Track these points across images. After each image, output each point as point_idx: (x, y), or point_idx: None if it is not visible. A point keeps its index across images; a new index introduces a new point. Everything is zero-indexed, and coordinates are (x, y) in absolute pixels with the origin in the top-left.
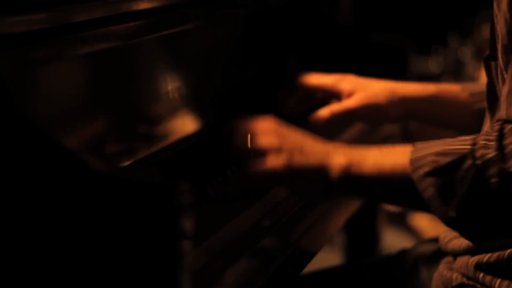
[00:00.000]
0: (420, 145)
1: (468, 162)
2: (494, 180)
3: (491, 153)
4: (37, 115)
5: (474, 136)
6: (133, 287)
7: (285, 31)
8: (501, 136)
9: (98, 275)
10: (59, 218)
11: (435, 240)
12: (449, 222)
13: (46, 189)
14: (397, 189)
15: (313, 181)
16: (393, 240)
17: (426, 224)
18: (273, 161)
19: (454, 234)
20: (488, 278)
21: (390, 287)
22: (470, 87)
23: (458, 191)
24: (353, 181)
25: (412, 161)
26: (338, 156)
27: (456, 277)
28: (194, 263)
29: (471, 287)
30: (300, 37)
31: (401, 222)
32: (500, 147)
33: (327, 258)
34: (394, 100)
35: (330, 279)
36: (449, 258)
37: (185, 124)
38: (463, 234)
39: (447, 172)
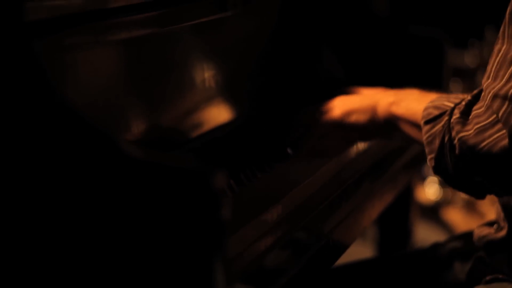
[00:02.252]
0: (438, 96)
1: (445, 119)
2: (456, 140)
3: (457, 114)
4: (73, 101)
5: (468, 95)
6: (169, 274)
7: (322, 21)
8: (474, 100)
9: (136, 260)
10: (95, 204)
11: (469, 234)
12: (432, 169)
13: (85, 175)
14: (416, 132)
15: (365, 116)
16: (425, 234)
17: (459, 218)
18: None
19: (488, 230)
20: None
21: (422, 280)
22: None
23: (436, 143)
24: (391, 117)
25: (424, 109)
26: (388, 96)
27: (490, 272)
28: (230, 250)
29: (505, 281)
30: (337, 28)
31: (434, 216)
32: (467, 111)
33: (359, 251)
34: None
35: (362, 272)
36: (482, 253)
37: (220, 114)
38: (444, 181)
39: (433, 124)
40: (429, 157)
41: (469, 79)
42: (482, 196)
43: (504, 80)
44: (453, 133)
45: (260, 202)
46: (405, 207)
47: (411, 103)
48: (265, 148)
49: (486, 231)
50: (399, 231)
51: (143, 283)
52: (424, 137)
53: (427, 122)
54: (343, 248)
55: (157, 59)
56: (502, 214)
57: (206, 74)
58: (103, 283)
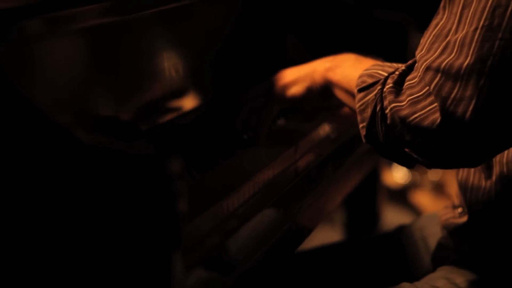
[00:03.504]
0: (375, 64)
1: (378, 87)
2: (388, 110)
3: (390, 84)
4: (32, 92)
5: (402, 64)
6: (125, 262)
7: (286, 7)
8: (408, 70)
9: (91, 247)
10: (54, 191)
11: (433, 216)
12: (363, 138)
13: (39, 164)
14: (351, 99)
15: (304, 85)
16: (393, 217)
17: (427, 201)
18: (277, 82)
19: (452, 213)
20: (484, 256)
21: (388, 262)
22: None
23: (368, 112)
24: (328, 83)
25: (359, 76)
26: (325, 62)
27: (454, 253)
28: (191, 236)
29: (468, 262)
30: (301, 14)
31: (402, 199)
32: (400, 81)
33: (328, 235)
34: None
35: (329, 256)
36: (446, 235)
37: (184, 102)
38: (375, 150)
39: (366, 92)
40: (361, 125)
41: None
42: (411, 166)
43: (437, 52)
44: (385, 103)
45: (221, 188)
46: (372, 191)
47: (346, 69)
48: (227, 135)
49: (450, 214)
50: (367, 214)
51: (97, 271)
52: (357, 105)
53: (360, 90)
54: (307, 231)
55: (118, 48)
56: (462, 199)
57: (169, 63)
58: (58, 271)
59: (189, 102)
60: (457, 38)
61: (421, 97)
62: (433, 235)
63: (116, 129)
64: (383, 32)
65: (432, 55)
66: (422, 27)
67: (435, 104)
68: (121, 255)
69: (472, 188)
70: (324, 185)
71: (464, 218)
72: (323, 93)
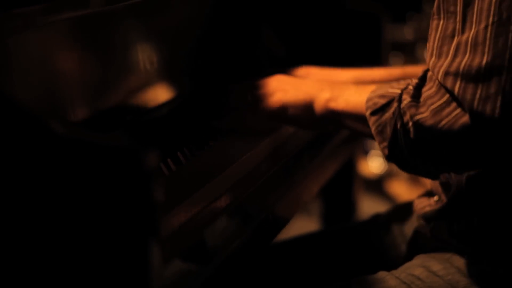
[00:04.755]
0: (379, 86)
1: (394, 105)
2: (410, 125)
3: (407, 99)
4: (7, 82)
5: (410, 80)
6: (102, 254)
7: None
8: (422, 82)
9: (66, 238)
10: (25, 183)
11: (409, 204)
12: (386, 157)
13: (15, 154)
14: (361, 124)
15: (301, 112)
16: (370, 207)
17: (402, 190)
18: (268, 99)
19: (427, 201)
20: (460, 244)
21: (365, 251)
22: (394, 72)
23: (388, 131)
24: (330, 113)
25: (367, 100)
26: (324, 91)
27: (430, 241)
28: (168, 226)
29: (445, 249)
30: (275, 5)
31: (378, 189)
32: (417, 94)
33: (304, 226)
34: None
35: (306, 245)
36: (422, 223)
37: (159, 94)
38: (398, 167)
39: (381, 113)
40: (381, 145)
41: (409, 52)
42: (437, 177)
43: (450, 56)
44: (406, 118)
45: (198, 179)
46: (348, 181)
47: (350, 97)
48: (202, 126)
49: (425, 201)
50: (344, 204)
51: (73, 263)
52: (373, 128)
53: (374, 113)
54: (284, 222)
55: (92, 41)
56: (440, 188)
57: (144, 55)
58: (31, 261)
59: (163, 94)
60: (468, 38)
61: (444, 104)
62: (409, 224)
63: (92, 121)
64: (357, 22)
65: (445, 60)
66: (396, 17)
67: (459, 108)
68: (98, 247)
69: (447, 175)
70: (300, 175)
71: (440, 206)
72: (322, 122)
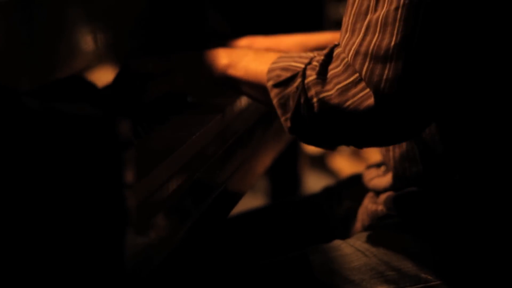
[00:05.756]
0: (282, 56)
1: (298, 80)
2: (314, 100)
3: (312, 75)
4: None
5: (315, 53)
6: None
7: None
8: (328, 59)
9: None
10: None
11: (357, 176)
12: (288, 130)
13: None
14: (260, 93)
15: (204, 78)
16: (315, 183)
17: (346, 166)
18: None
19: (376, 172)
20: (408, 211)
21: (318, 221)
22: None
23: (290, 105)
24: (229, 80)
25: (268, 71)
26: (222, 58)
27: (382, 210)
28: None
29: (395, 218)
30: None
31: (322, 165)
32: (323, 71)
33: (251, 204)
34: None
35: (259, 218)
36: (372, 194)
37: (107, 73)
38: (300, 139)
39: (284, 87)
40: (283, 118)
41: None
42: (333, 148)
43: (361, 34)
44: (310, 93)
45: (157, 153)
46: (292, 157)
47: (249, 64)
48: (158, 101)
49: (374, 173)
50: (289, 180)
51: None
52: (275, 100)
53: (276, 85)
54: (240, 195)
55: (36, 22)
56: (385, 156)
57: (90, 35)
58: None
59: (108, 75)
60: (378, 17)
61: (350, 84)
62: (358, 194)
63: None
64: (298, 1)
65: (357, 38)
66: None
67: (367, 89)
68: (72, 220)
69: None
70: (254, 148)
71: (388, 176)
72: (222, 88)
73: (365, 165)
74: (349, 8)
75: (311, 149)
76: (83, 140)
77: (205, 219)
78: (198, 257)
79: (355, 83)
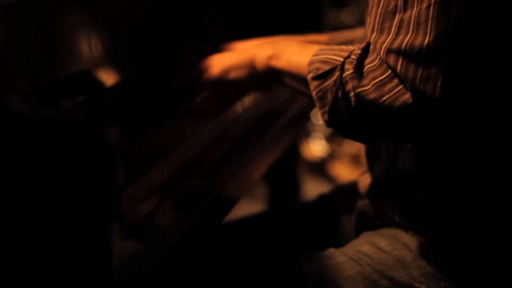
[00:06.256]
0: (323, 49)
1: (336, 74)
2: (351, 95)
3: (350, 70)
4: None
5: (355, 47)
6: (62, 233)
7: None
8: (365, 53)
9: (30, 216)
10: None
11: (352, 184)
12: (326, 123)
13: None
14: (301, 85)
15: (244, 72)
16: (313, 189)
17: (344, 172)
18: (211, 67)
19: (370, 179)
20: (403, 220)
21: (311, 229)
22: (337, 37)
23: (328, 98)
24: (272, 71)
25: (309, 63)
26: (266, 49)
27: (375, 218)
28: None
29: (390, 226)
30: None
31: (321, 171)
32: (360, 65)
33: (249, 209)
34: None
35: (253, 226)
36: (366, 201)
37: (105, 77)
38: (337, 132)
39: (322, 80)
40: (321, 111)
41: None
42: (374, 143)
43: (392, 33)
44: (348, 87)
45: (150, 158)
46: (292, 163)
47: (292, 56)
48: (152, 107)
49: (369, 179)
50: (288, 187)
51: (33, 239)
52: (314, 92)
53: (316, 78)
54: (233, 201)
55: (35, 26)
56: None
57: (87, 38)
58: None
59: (110, 77)
60: (410, 16)
61: (385, 79)
62: (352, 202)
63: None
64: (297, 5)
65: (387, 37)
66: (336, 1)
67: (401, 85)
68: (58, 226)
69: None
70: (250, 154)
71: (382, 181)
72: (265, 80)
73: (364, 170)
74: (374, 8)
75: (310, 155)
76: (71, 144)
77: (197, 226)
78: (189, 264)
79: (390, 78)
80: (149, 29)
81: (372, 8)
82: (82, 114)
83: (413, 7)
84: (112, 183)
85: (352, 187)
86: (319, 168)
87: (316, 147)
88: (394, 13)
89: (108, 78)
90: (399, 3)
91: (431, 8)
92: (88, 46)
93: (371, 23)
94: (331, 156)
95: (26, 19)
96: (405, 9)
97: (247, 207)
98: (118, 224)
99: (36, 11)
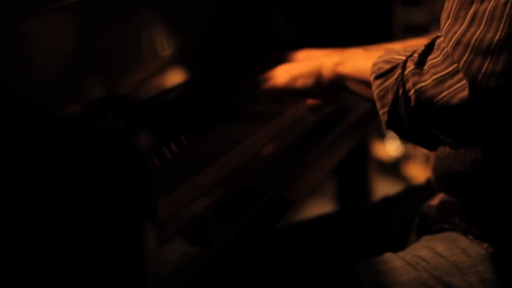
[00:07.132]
0: (388, 51)
1: (398, 71)
2: (411, 93)
3: (411, 66)
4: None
5: (417, 47)
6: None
7: None
8: (428, 50)
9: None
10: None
11: (418, 186)
12: (385, 123)
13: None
14: (365, 89)
15: (310, 80)
16: (385, 189)
17: (419, 172)
18: (278, 76)
19: (436, 178)
20: (463, 223)
21: (372, 233)
22: (411, 43)
23: (389, 97)
24: (338, 77)
25: (373, 65)
26: (333, 56)
27: (436, 221)
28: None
29: (450, 230)
30: None
31: (394, 171)
32: (422, 62)
33: (320, 207)
34: None
35: (312, 229)
36: (429, 203)
37: (168, 78)
38: (397, 134)
39: (384, 78)
40: (381, 111)
41: (422, 35)
42: (435, 148)
43: (465, 23)
44: (408, 85)
45: (199, 163)
46: (362, 163)
47: (357, 61)
48: (210, 111)
49: (435, 178)
50: (358, 186)
51: (68, 250)
52: (375, 92)
53: (377, 77)
54: (289, 205)
55: (97, 25)
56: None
57: (154, 39)
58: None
59: (172, 79)
60: (486, 8)
61: (447, 75)
62: (416, 205)
63: (105, 105)
64: (367, 4)
65: (460, 27)
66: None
67: (464, 81)
68: (93, 232)
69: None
70: (306, 158)
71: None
72: (331, 88)
73: None
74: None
75: (384, 155)
76: (107, 153)
77: (249, 228)
78: (241, 268)
79: (452, 74)
80: (216, 31)
81: None
82: (120, 124)
83: (490, 0)
84: (145, 188)
85: (417, 188)
86: (393, 168)
87: (390, 147)
88: (472, 2)
89: (173, 78)
90: None
91: (508, 4)
92: (156, 46)
93: (448, 9)
94: (406, 157)
95: (93, 19)
96: (482, 0)
97: (318, 205)
98: (154, 229)
99: (103, 10)
